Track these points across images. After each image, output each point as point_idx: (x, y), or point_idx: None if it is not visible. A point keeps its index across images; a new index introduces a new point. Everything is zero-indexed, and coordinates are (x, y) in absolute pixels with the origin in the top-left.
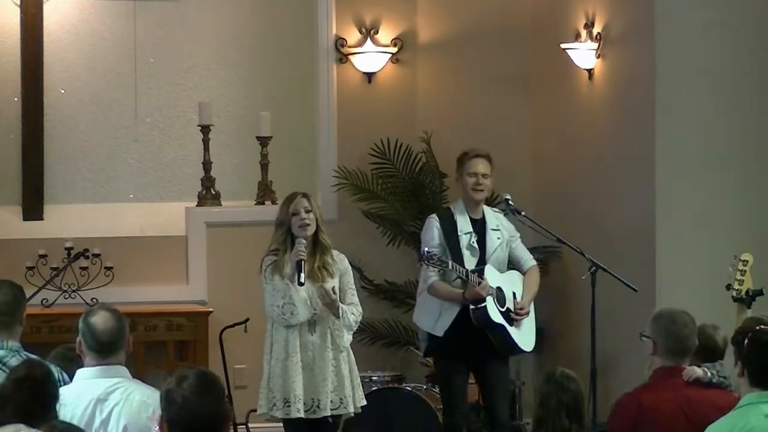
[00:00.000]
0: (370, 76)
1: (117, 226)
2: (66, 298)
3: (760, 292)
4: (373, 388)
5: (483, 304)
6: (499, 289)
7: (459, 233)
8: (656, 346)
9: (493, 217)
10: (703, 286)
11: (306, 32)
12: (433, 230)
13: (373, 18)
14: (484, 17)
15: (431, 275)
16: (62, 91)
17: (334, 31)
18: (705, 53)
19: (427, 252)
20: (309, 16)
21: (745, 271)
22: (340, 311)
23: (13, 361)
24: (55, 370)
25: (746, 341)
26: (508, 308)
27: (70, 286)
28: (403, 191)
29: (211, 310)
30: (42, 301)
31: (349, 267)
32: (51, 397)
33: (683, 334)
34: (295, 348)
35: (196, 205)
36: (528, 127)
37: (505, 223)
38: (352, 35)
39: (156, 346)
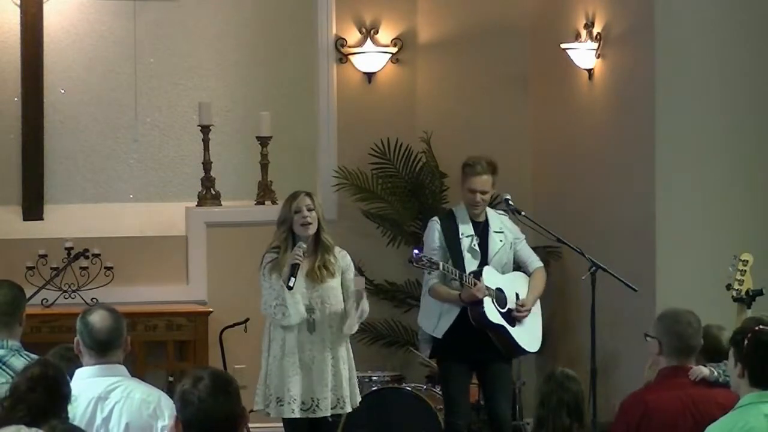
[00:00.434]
0: (370, 76)
1: (117, 226)
2: (66, 298)
3: (760, 292)
4: (373, 388)
5: (481, 306)
6: (499, 290)
7: (460, 236)
8: (661, 346)
9: (497, 220)
10: (703, 286)
11: (306, 32)
12: (434, 233)
13: (373, 18)
14: (484, 17)
15: (432, 278)
16: (62, 91)
17: (334, 31)
18: (705, 53)
19: (416, 254)
20: (309, 16)
21: (745, 271)
22: (359, 313)
23: (14, 361)
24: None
25: (746, 341)
26: (509, 309)
27: (70, 286)
28: (403, 191)
29: (211, 310)
30: (42, 301)
31: (351, 263)
32: (64, 398)
33: (688, 334)
34: (293, 348)
35: (196, 205)
36: (528, 127)
37: (509, 225)
38: (352, 35)
39: (156, 346)
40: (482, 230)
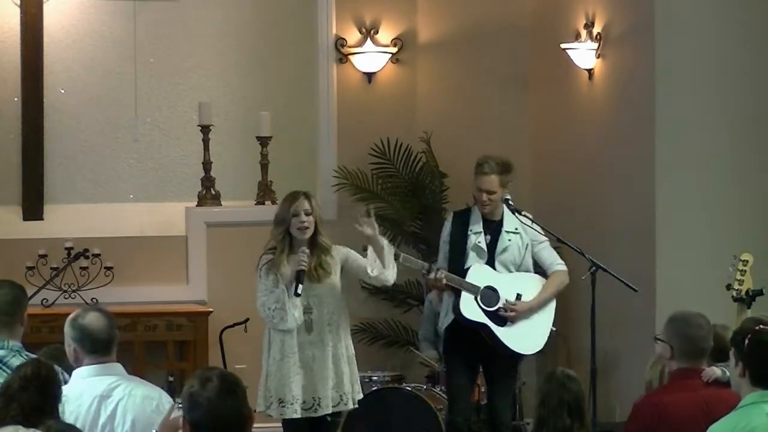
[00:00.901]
0: (370, 76)
1: (117, 226)
2: (66, 298)
3: (760, 292)
4: (373, 388)
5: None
6: (490, 288)
7: (469, 232)
8: (673, 349)
9: (514, 221)
10: (703, 286)
11: (306, 32)
12: (445, 228)
13: (373, 18)
14: (484, 17)
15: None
16: (62, 91)
17: (334, 31)
18: (705, 53)
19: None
20: (309, 16)
21: (745, 271)
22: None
23: (14, 361)
24: (57, 370)
25: (746, 341)
26: (499, 308)
27: (70, 286)
28: (403, 191)
29: (211, 310)
30: (42, 301)
31: (350, 249)
32: (55, 398)
33: (699, 337)
34: (292, 348)
35: (196, 205)
36: (528, 127)
37: (529, 228)
38: (352, 35)
39: (156, 346)
40: (495, 229)
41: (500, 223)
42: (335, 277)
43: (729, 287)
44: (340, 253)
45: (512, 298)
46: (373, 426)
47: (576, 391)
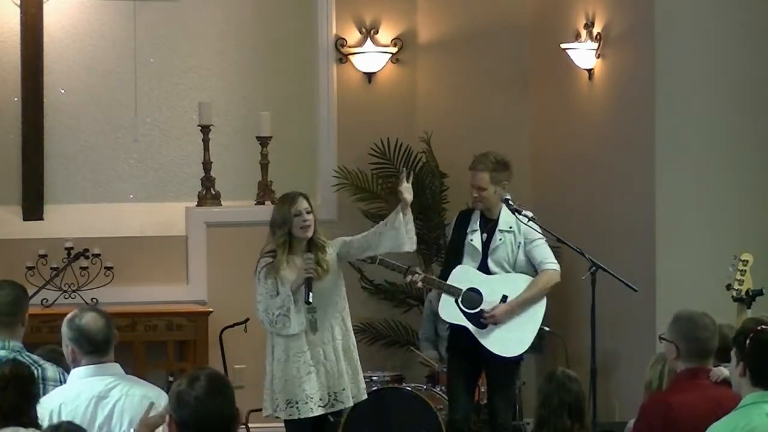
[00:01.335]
0: (370, 76)
1: (117, 226)
2: (66, 298)
3: (760, 292)
4: (373, 388)
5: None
6: (473, 290)
7: (467, 231)
8: (678, 349)
9: (510, 220)
10: (703, 286)
11: (306, 32)
12: (450, 226)
13: (373, 18)
14: (484, 17)
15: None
16: (62, 91)
17: (334, 31)
18: (705, 53)
19: None
20: (309, 16)
21: (745, 271)
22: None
23: None
24: (57, 371)
25: (747, 341)
26: (482, 310)
27: (70, 286)
28: None
29: (211, 310)
30: (42, 301)
31: (340, 238)
32: (34, 397)
33: (705, 337)
34: (301, 348)
35: (196, 205)
36: (528, 127)
37: (524, 226)
38: (352, 35)
39: (156, 346)
40: (491, 228)
41: (497, 221)
42: (335, 273)
43: (729, 287)
44: (334, 246)
45: (497, 300)
46: (373, 426)
47: (577, 392)
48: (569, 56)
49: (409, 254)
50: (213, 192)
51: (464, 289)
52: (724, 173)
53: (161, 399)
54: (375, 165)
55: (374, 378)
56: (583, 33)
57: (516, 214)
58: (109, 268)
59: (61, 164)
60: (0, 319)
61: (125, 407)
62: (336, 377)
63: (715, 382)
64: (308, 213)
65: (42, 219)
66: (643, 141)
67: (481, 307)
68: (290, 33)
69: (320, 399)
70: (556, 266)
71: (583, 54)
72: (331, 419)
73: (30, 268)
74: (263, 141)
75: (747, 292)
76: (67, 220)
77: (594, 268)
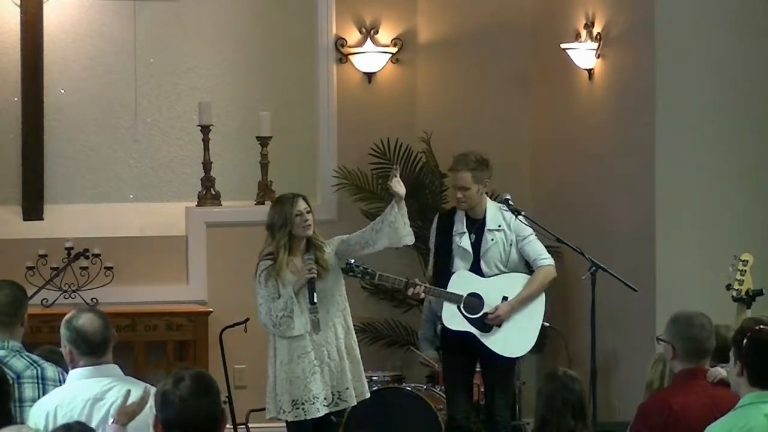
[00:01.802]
0: (370, 76)
1: (117, 226)
2: (66, 298)
3: (760, 292)
4: (373, 388)
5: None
6: (474, 295)
7: (453, 234)
8: (675, 350)
9: (497, 218)
10: (703, 286)
11: (306, 32)
12: (432, 231)
13: (373, 18)
14: (484, 17)
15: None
16: (62, 91)
17: (334, 31)
18: (705, 53)
19: (347, 264)
20: (309, 16)
21: (745, 271)
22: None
23: (14, 362)
24: (56, 371)
25: (746, 341)
26: (485, 313)
27: (70, 286)
28: None
29: (211, 310)
30: (42, 301)
31: (337, 237)
32: (6, 395)
33: (702, 337)
34: (305, 349)
35: (196, 205)
36: (528, 126)
37: (513, 223)
38: (352, 35)
39: (156, 346)
40: (478, 228)
41: (483, 221)
42: (335, 272)
43: (729, 287)
44: (332, 245)
45: (498, 302)
46: (373, 426)
47: (579, 392)
48: (569, 56)
49: (408, 253)
50: (213, 192)
51: (464, 294)
52: (723, 173)
53: None
54: (375, 165)
55: (374, 378)
56: (583, 33)
57: (516, 214)
58: (109, 268)
59: (61, 164)
60: None
61: None
62: (340, 376)
63: (712, 383)
64: (308, 213)
65: (42, 219)
66: (643, 141)
67: (484, 311)
68: (290, 33)
69: (325, 399)
70: (551, 261)
71: (583, 54)
72: (334, 419)
73: (30, 268)
74: (263, 141)
75: (747, 292)
76: (67, 220)
77: (594, 268)
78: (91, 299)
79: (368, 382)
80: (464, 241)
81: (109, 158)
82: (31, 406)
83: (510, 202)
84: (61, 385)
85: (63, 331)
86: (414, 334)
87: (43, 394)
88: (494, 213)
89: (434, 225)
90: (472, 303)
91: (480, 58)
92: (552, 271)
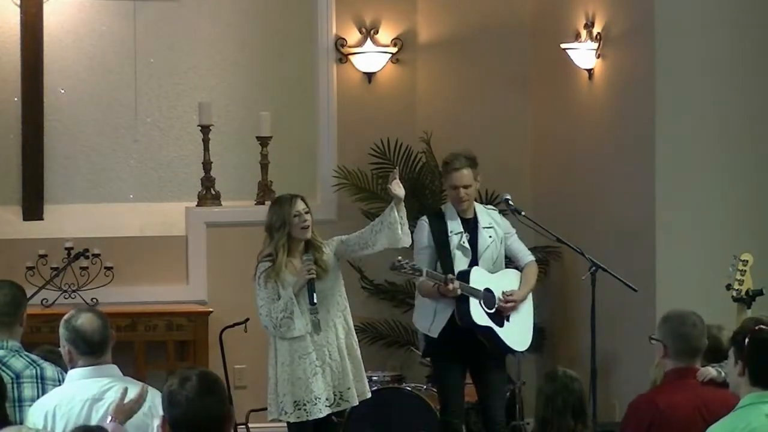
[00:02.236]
0: (370, 76)
1: (117, 226)
2: (66, 298)
3: (760, 292)
4: (374, 388)
5: (467, 306)
6: (488, 290)
7: (449, 234)
8: (666, 348)
9: (486, 215)
10: (703, 286)
11: (306, 32)
12: (423, 232)
13: (373, 18)
14: (484, 17)
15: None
16: (62, 91)
17: (334, 31)
18: (705, 53)
19: (396, 262)
20: (309, 16)
21: (745, 271)
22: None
23: (14, 362)
24: (56, 371)
25: (746, 341)
26: (497, 309)
27: (70, 286)
28: None
29: (211, 310)
30: (42, 301)
31: (336, 237)
32: (2, 396)
33: (693, 336)
34: (306, 350)
35: (196, 205)
36: (528, 127)
37: (499, 220)
38: (352, 35)
39: (156, 346)
40: (472, 227)
41: (475, 219)
42: (334, 272)
43: (729, 287)
44: (331, 245)
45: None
46: (373, 426)
47: (579, 392)
48: (569, 56)
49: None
50: (213, 192)
51: (482, 290)
52: (723, 173)
53: (156, 400)
54: (375, 165)
55: (374, 378)
56: (583, 33)
57: (516, 214)
58: (109, 268)
59: (61, 164)
60: None
61: None
62: (341, 376)
63: (702, 382)
64: (307, 213)
65: (42, 219)
66: (643, 141)
67: (496, 306)
68: (290, 33)
69: (327, 399)
70: (533, 257)
71: (583, 54)
72: (335, 420)
73: (30, 268)
74: (263, 141)
75: (747, 292)
76: (66, 220)
77: (594, 268)
78: (91, 299)
79: (368, 382)
80: (464, 240)
81: (109, 158)
82: (30, 405)
83: (510, 202)
84: (60, 384)
85: (62, 330)
86: (414, 334)
87: (42, 394)
88: (482, 210)
89: (425, 225)
90: (487, 298)
91: (480, 58)
92: (536, 267)
